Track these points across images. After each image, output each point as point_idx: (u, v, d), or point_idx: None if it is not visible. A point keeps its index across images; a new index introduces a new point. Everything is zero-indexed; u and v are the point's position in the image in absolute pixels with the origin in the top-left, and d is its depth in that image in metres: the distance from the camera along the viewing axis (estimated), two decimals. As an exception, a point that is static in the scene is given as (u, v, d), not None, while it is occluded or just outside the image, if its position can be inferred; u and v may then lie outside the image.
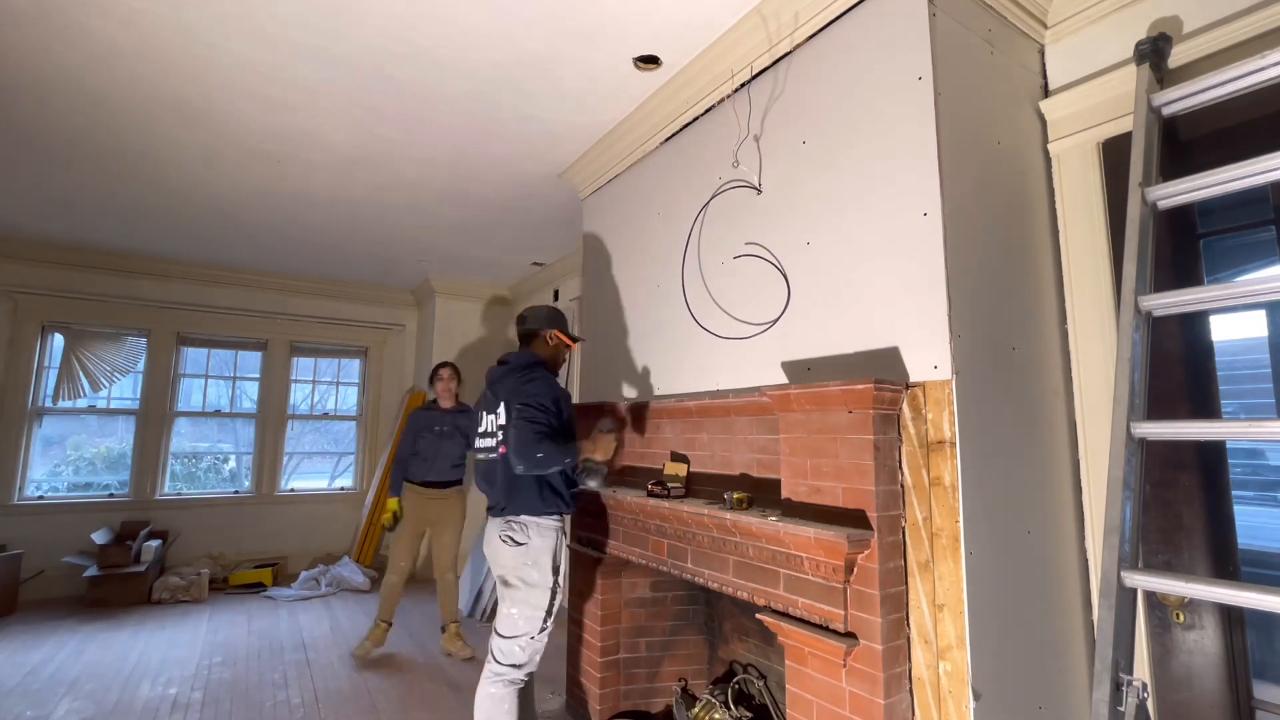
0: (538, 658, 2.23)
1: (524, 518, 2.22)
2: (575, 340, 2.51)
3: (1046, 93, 1.98)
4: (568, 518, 2.42)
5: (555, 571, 2.23)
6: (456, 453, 3.80)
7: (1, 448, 4.76)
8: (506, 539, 2.22)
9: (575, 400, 4.69)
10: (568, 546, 2.97)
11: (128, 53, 2.39)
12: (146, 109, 2.80)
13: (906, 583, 1.58)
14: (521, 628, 2.17)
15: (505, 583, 2.22)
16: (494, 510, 2.30)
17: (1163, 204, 1.54)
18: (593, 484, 2.29)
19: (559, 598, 2.24)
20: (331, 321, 6.00)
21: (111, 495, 5.18)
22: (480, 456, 2.39)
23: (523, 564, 2.19)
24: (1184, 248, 1.68)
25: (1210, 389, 1.61)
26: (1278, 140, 1.50)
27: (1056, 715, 1.66)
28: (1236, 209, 1.66)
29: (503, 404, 2.28)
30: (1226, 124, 1.61)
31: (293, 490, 5.83)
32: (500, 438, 2.27)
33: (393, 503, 3.68)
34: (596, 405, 2.86)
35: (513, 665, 2.17)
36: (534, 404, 2.17)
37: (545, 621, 2.20)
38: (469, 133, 2.98)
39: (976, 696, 1.44)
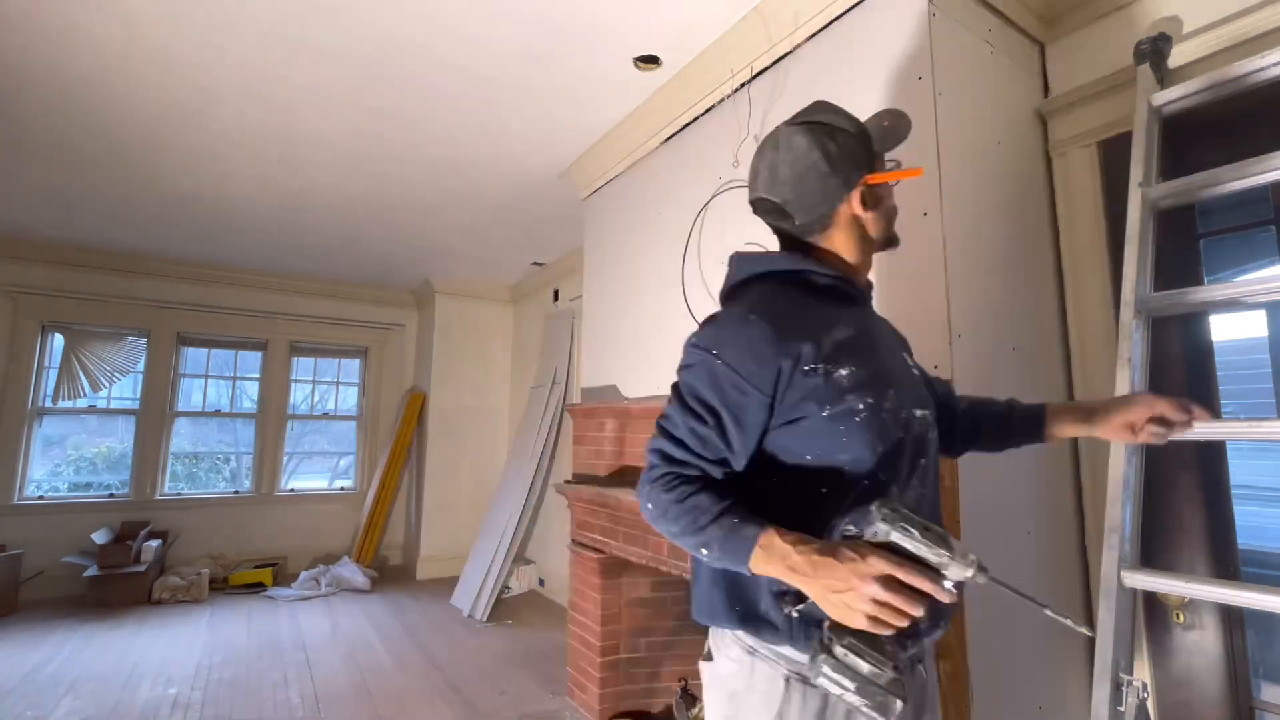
0: None
1: (716, 628, 1.02)
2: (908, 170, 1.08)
3: (1046, 93, 1.98)
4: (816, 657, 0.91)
5: None
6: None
7: (1, 448, 4.75)
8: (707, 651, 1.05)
9: (575, 400, 4.69)
10: (570, 548, 2.95)
11: (127, 53, 2.38)
12: (146, 109, 2.80)
13: (906, 583, 1.58)
14: None
15: None
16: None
17: (1163, 204, 1.54)
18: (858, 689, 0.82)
19: None
20: (331, 321, 6.00)
21: (111, 495, 5.18)
22: None
23: (711, 702, 1.01)
24: (1184, 248, 1.68)
25: (1210, 389, 1.61)
26: (1277, 139, 1.50)
27: (1056, 715, 1.66)
28: (1236, 209, 1.66)
29: None
30: (1227, 122, 1.61)
31: (293, 490, 5.83)
32: None
33: None
34: (594, 407, 2.86)
35: None
36: (682, 381, 0.97)
37: None
38: (469, 132, 2.98)
39: (976, 696, 1.44)
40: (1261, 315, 1.66)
